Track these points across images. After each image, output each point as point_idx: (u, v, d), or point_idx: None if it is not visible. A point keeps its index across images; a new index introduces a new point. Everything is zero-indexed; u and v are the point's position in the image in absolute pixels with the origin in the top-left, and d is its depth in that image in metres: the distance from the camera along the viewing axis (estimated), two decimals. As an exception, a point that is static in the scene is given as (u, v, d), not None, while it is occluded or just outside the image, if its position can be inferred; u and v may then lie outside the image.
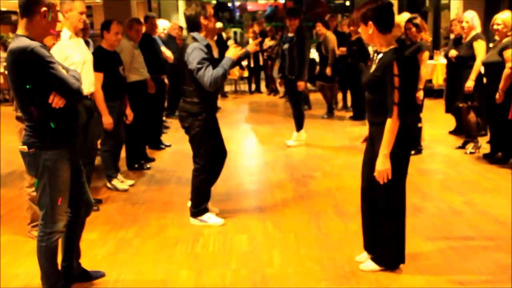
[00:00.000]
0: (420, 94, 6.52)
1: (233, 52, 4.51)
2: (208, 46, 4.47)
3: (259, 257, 4.01)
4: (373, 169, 3.46)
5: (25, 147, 3.17)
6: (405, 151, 3.49)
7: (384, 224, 3.58)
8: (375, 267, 3.66)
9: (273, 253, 4.06)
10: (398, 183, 3.47)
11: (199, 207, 4.67)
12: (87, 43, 6.65)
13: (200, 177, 4.63)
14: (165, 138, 7.99)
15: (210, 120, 4.57)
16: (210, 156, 4.60)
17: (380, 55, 3.46)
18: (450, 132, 7.96)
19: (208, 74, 4.32)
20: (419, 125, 6.86)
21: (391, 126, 3.34)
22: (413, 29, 6.59)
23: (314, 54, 10.98)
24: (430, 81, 10.60)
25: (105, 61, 5.40)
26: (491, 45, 6.46)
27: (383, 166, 3.38)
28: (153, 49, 7.37)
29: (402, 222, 3.60)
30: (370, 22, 3.41)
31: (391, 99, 3.31)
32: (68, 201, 3.30)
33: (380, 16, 3.41)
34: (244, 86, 14.57)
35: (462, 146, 7.01)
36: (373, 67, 3.48)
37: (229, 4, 19.18)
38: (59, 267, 3.45)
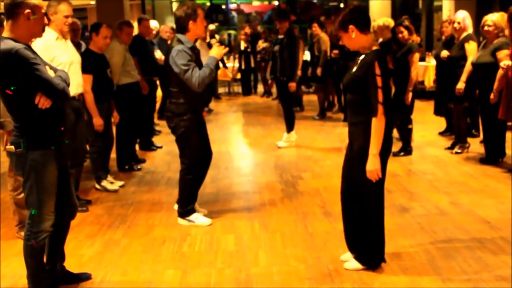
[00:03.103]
0: (409, 96, 6.55)
1: (216, 51, 4.56)
2: (193, 48, 4.50)
3: (244, 257, 4.04)
4: (351, 169, 3.49)
5: (12, 147, 3.20)
6: (382, 152, 3.50)
7: (363, 224, 3.62)
8: (358, 266, 3.69)
9: (258, 253, 4.10)
10: (375, 184, 3.49)
11: (186, 207, 4.70)
12: (79, 45, 6.71)
13: (186, 177, 4.66)
14: (157, 140, 8.02)
15: (196, 120, 4.60)
16: (196, 155, 4.63)
17: (362, 56, 3.51)
18: (440, 133, 7.99)
19: (196, 75, 4.36)
20: (409, 126, 6.89)
21: (377, 125, 3.37)
22: (405, 32, 6.62)
23: (307, 56, 11.00)
24: (422, 82, 10.62)
25: (94, 63, 5.43)
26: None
27: (373, 166, 3.40)
28: (146, 51, 7.41)
29: (381, 222, 3.64)
30: (351, 26, 3.46)
31: (375, 98, 3.35)
32: (55, 201, 3.32)
33: (358, 17, 3.47)
34: (237, 88, 14.60)
35: (451, 147, 7.01)
36: (355, 68, 3.52)
37: (223, 6, 19.21)
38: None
